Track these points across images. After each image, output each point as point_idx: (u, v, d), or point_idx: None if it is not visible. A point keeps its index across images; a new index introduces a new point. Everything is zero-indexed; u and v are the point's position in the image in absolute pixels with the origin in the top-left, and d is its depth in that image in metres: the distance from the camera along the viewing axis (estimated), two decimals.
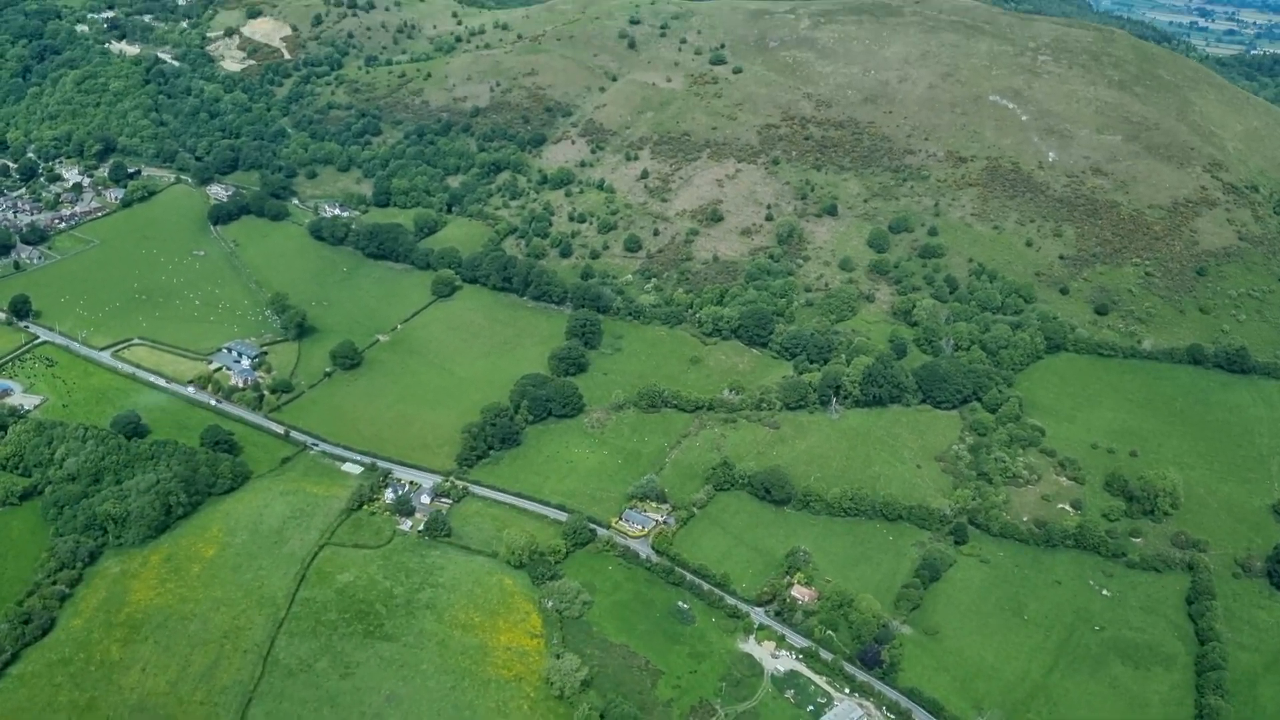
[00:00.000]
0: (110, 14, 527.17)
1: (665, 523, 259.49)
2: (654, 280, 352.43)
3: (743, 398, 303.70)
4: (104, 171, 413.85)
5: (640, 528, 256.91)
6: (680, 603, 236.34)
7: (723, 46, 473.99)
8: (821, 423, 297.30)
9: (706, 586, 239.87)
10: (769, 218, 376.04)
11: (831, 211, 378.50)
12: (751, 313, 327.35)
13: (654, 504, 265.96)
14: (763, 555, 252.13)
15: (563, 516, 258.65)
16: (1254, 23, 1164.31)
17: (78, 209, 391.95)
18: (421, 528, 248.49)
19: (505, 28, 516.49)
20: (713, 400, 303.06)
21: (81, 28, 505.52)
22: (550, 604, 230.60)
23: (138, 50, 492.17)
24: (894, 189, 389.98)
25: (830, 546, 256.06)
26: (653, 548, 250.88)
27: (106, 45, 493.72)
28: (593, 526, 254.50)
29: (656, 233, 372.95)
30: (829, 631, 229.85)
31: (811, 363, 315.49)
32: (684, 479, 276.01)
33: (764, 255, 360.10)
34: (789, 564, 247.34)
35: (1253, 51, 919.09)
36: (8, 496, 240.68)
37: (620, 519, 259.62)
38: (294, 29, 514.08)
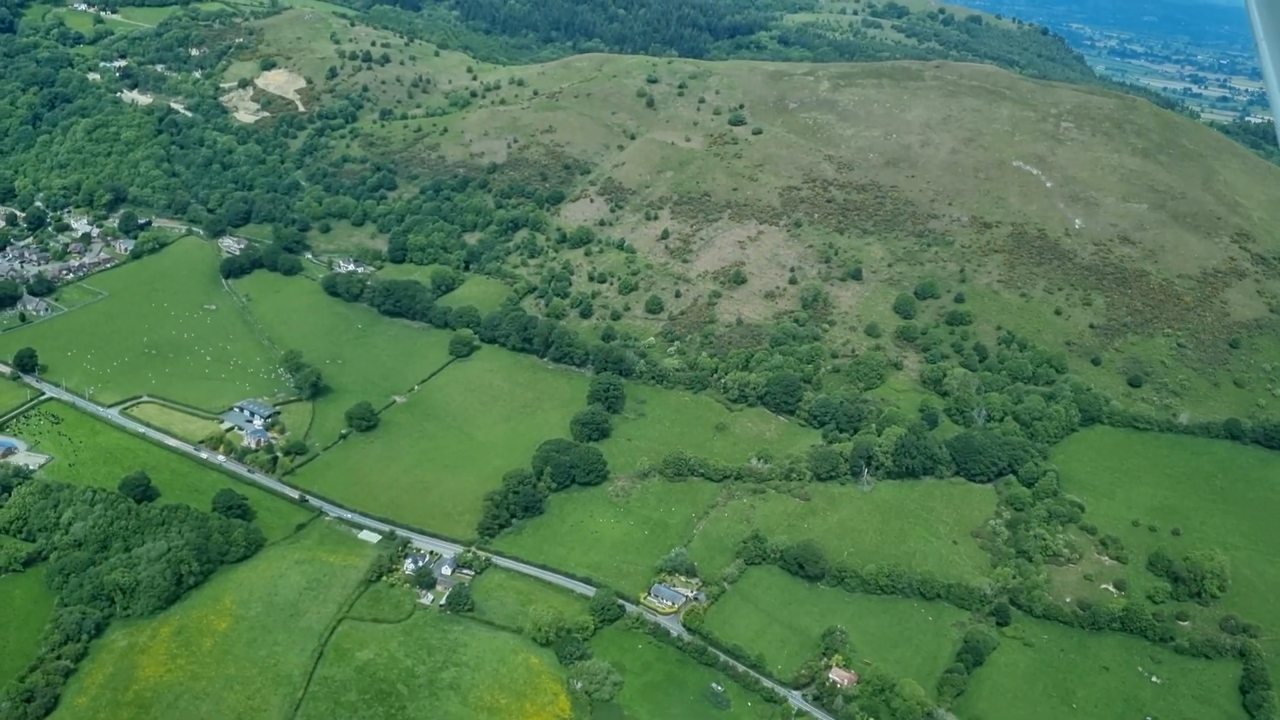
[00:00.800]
0: (123, 63, 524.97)
1: (696, 599, 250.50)
2: (677, 343, 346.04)
3: (771, 467, 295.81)
4: (114, 222, 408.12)
5: (670, 604, 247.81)
6: (714, 685, 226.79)
7: (742, 107, 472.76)
8: (853, 494, 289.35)
9: (741, 668, 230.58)
10: (793, 281, 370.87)
11: (856, 276, 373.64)
12: (779, 379, 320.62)
13: (683, 578, 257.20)
14: (798, 634, 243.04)
15: (589, 590, 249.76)
16: (1245, 90, 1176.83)
17: (86, 260, 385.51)
18: (443, 602, 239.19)
19: (521, 84, 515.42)
20: (741, 469, 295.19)
21: (93, 76, 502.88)
22: (579, 685, 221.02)
23: (150, 100, 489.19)
24: (918, 254, 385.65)
25: (867, 626, 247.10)
26: (684, 625, 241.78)
27: (118, 94, 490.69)
28: (621, 602, 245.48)
29: (678, 294, 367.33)
30: (871, 719, 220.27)
31: (841, 431, 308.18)
32: (713, 552, 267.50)
33: (789, 319, 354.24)
34: (826, 644, 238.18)
35: (1248, 118, 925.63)
36: (10, 563, 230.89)
37: (649, 594, 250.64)
38: (308, 81, 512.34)
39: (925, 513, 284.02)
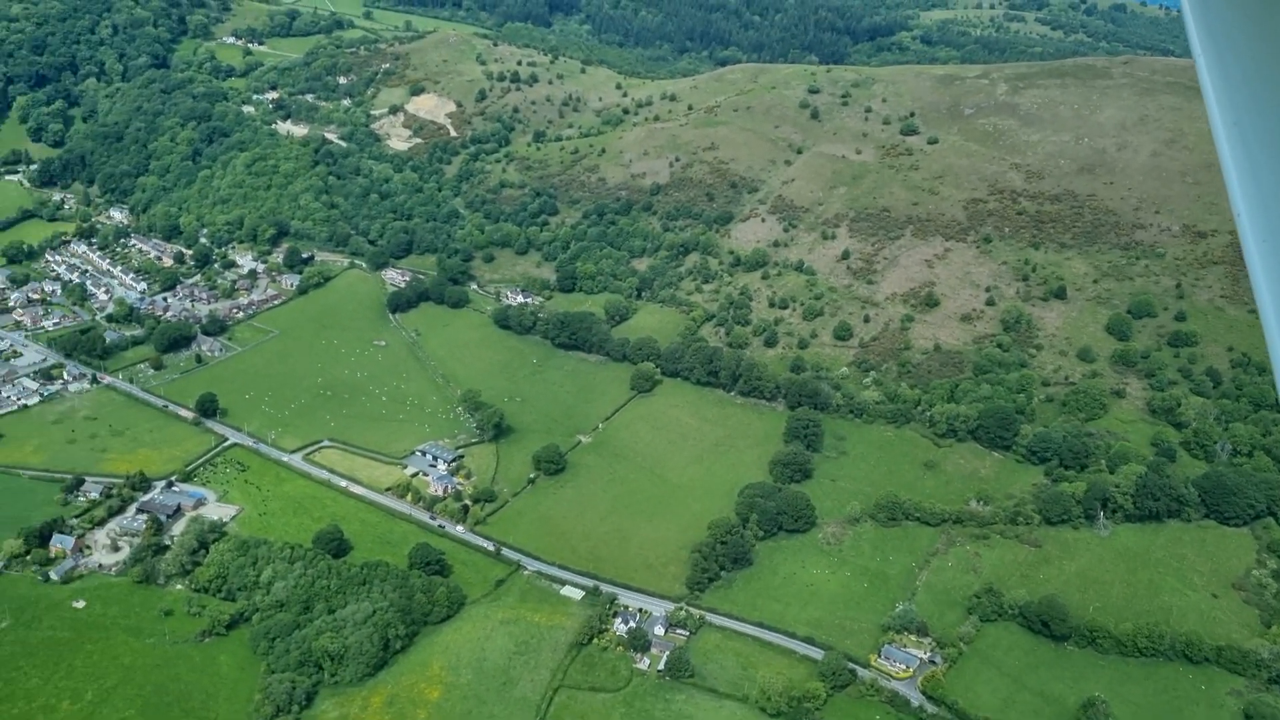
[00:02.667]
0: (274, 94, 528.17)
1: (932, 661, 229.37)
2: (872, 373, 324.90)
3: (993, 509, 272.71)
4: (278, 257, 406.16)
5: (904, 667, 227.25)
6: None
7: (912, 115, 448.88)
8: (1089, 540, 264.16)
9: None
10: (990, 302, 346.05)
11: (1060, 295, 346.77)
12: (991, 411, 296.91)
13: (914, 637, 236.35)
14: (1051, 703, 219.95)
15: (813, 651, 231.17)
16: None
17: (255, 297, 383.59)
18: (661, 666, 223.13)
19: (673, 99, 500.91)
20: (959, 512, 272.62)
21: (248, 109, 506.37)
22: None
23: (305, 130, 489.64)
24: (1126, 268, 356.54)
25: (1129, 694, 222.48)
26: (923, 692, 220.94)
27: (273, 126, 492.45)
28: (851, 665, 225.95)
29: (867, 319, 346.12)
30: None
31: (1066, 468, 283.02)
32: (941, 606, 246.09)
33: (990, 344, 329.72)
34: (1086, 716, 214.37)
35: None
36: (214, 626, 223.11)
37: (879, 656, 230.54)
38: (458, 105, 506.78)
39: (1175, 561, 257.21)
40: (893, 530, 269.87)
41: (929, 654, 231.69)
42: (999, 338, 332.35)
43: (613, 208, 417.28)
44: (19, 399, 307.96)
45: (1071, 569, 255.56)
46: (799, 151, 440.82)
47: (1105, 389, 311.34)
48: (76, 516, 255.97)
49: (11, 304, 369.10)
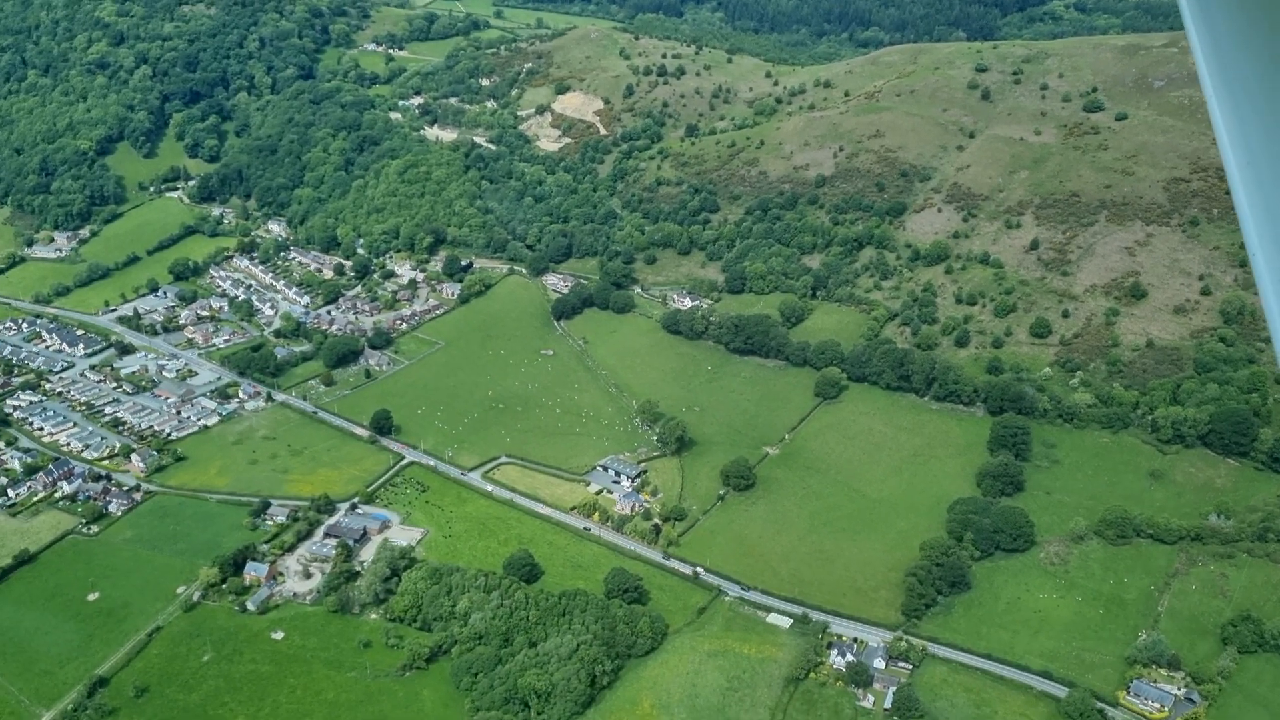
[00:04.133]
0: (419, 99, 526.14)
1: (1189, 699, 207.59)
2: (1079, 373, 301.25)
3: (1236, 525, 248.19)
4: (437, 265, 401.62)
5: (1159, 706, 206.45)
6: None
7: (1095, 90, 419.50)
8: None
9: None
10: (1205, 291, 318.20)
11: None
12: (1224, 414, 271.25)
13: (1165, 671, 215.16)
14: None
15: (1049, 687, 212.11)
16: None
17: (417, 308, 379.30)
18: (888, 704, 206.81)
19: (828, 85, 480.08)
20: (1198, 528, 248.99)
21: (395, 116, 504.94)
22: None
23: (454, 135, 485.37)
24: None
25: None
26: None
27: (421, 132, 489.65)
28: (1099, 704, 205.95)
29: (1066, 314, 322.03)
30: None
31: None
32: (1189, 635, 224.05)
33: (1211, 338, 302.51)
34: None
35: None
36: (414, 658, 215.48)
37: (1129, 693, 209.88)
38: (606, 102, 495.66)
39: None
40: (1123, 549, 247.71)
41: (1184, 690, 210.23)
42: (1220, 331, 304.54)
43: (776, 202, 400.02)
44: (199, 419, 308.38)
45: None
46: (971, 135, 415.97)
47: None
48: (266, 542, 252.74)
49: (183, 321, 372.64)
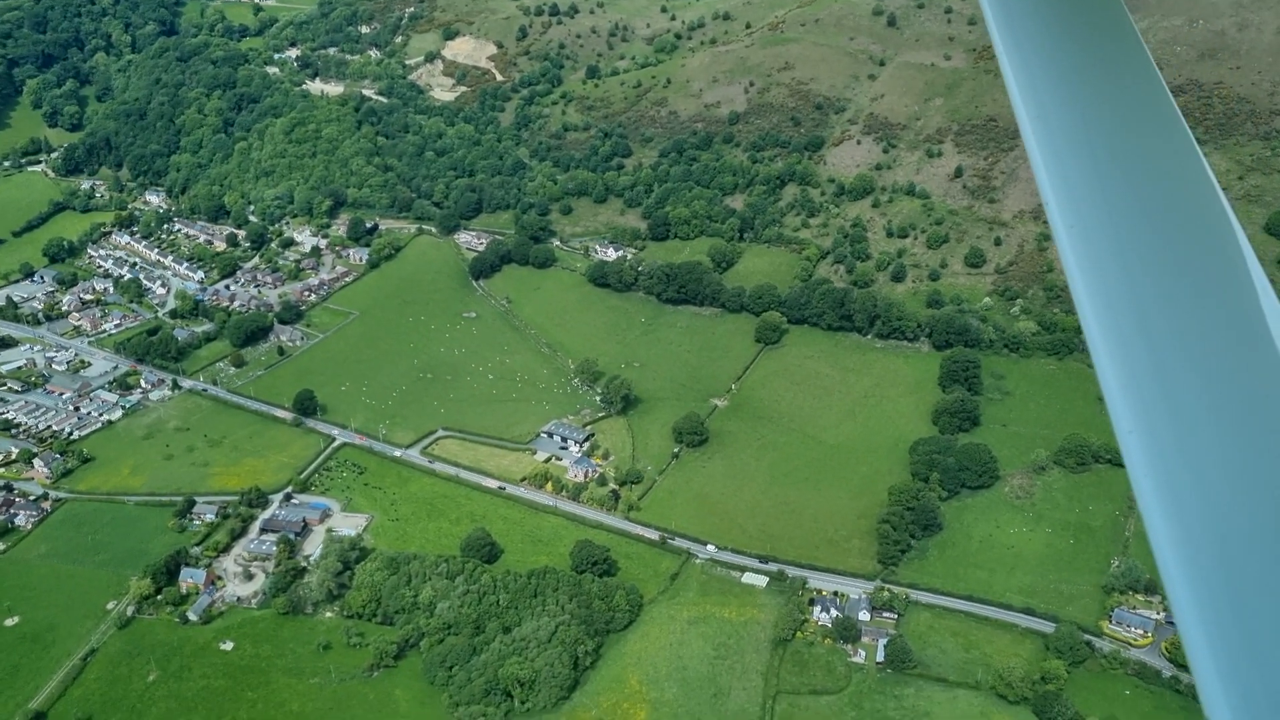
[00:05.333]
0: (295, 51, 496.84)
1: (1169, 622, 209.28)
2: (1018, 301, 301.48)
3: None
4: (340, 230, 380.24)
5: (1142, 632, 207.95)
6: None
7: None
8: None
9: None
10: None
11: None
12: None
13: (1142, 597, 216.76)
14: None
15: (1034, 623, 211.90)
16: None
17: (324, 276, 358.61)
18: (880, 658, 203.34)
19: (728, 17, 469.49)
20: None
21: (272, 70, 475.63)
22: None
23: (340, 89, 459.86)
24: (1271, 160, 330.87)
25: None
26: (1169, 659, 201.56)
27: (304, 87, 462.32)
28: (1086, 637, 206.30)
29: (998, 242, 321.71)
30: None
31: None
32: None
33: None
34: None
35: None
36: (382, 657, 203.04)
37: (1111, 622, 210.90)
38: (499, 46, 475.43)
39: None
40: (1085, 476, 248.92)
41: (1163, 614, 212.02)
42: None
43: (691, 143, 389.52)
44: (101, 415, 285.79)
45: None
46: (881, 64, 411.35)
47: None
48: (198, 544, 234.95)
49: (66, 308, 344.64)
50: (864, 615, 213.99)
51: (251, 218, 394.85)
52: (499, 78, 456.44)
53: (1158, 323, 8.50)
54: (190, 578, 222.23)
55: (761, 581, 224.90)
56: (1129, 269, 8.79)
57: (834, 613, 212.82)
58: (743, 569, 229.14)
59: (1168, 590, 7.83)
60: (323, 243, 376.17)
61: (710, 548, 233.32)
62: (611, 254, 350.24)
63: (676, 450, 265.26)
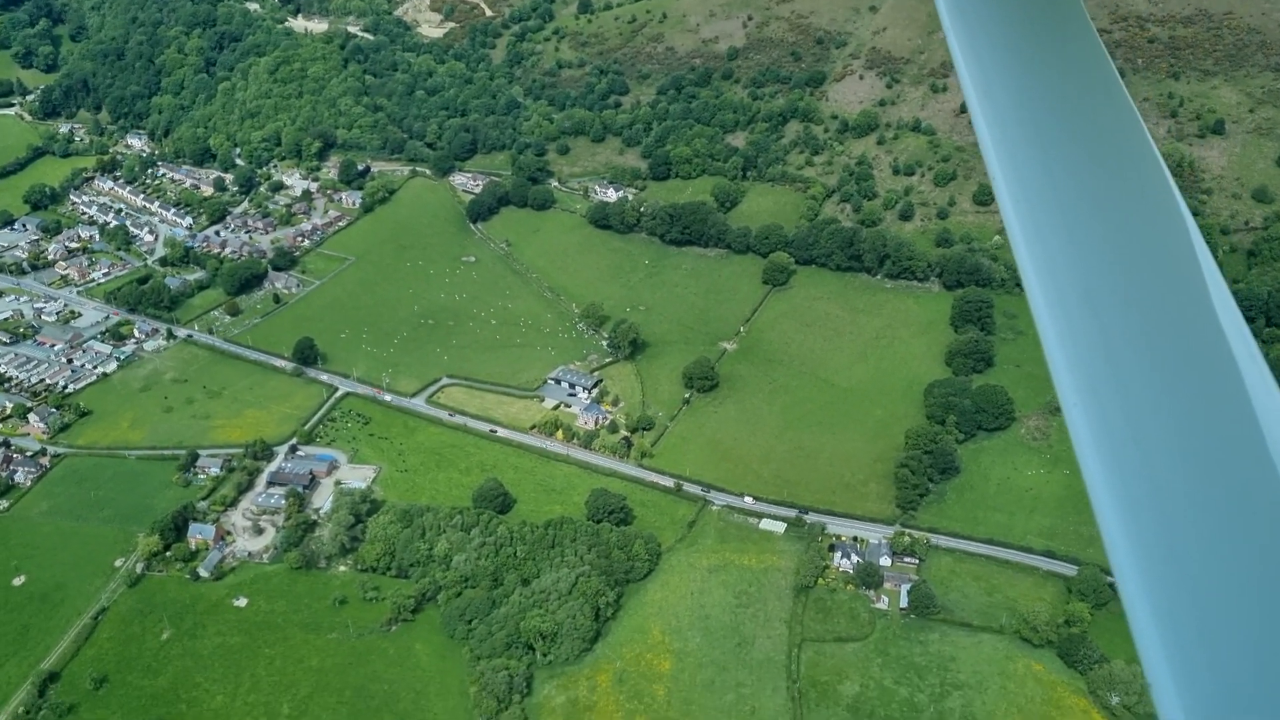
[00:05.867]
0: None
1: None
2: None
3: None
4: (330, 173, 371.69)
5: None
6: None
7: None
8: None
9: None
10: None
11: (1217, 130, 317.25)
12: None
13: None
14: None
15: (1055, 566, 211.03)
16: None
17: (316, 221, 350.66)
18: (903, 603, 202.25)
19: None
20: None
21: (253, 6, 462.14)
22: (1115, 699, 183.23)
23: (324, 26, 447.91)
24: None
25: None
26: None
27: (287, 24, 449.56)
28: (1109, 580, 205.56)
29: None
30: None
31: (1276, 328, 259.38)
32: None
33: None
34: None
35: None
36: (400, 612, 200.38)
37: None
38: None
39: None
40: None
41: None
42: None
43: (689, 79, 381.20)
44: (95, 367, 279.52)
45: None
46: None
47: None
48: (203, 499, 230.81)
49: (52, 256, 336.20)
50: (885, 560, 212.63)
51: (238, 161, 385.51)
52: (488, 13, 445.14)
53: (1103, 298, 8.40)
54: (199, 533, 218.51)
55: (779, 527, 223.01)
56: (1076, 244, 8.62)
57: (855, 558, 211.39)
58: (760, 515, 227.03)
59: (1112, 562, 7.67)
60: (314, 186, 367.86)
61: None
62: (612, 194, 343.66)
63: (687, 395, 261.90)
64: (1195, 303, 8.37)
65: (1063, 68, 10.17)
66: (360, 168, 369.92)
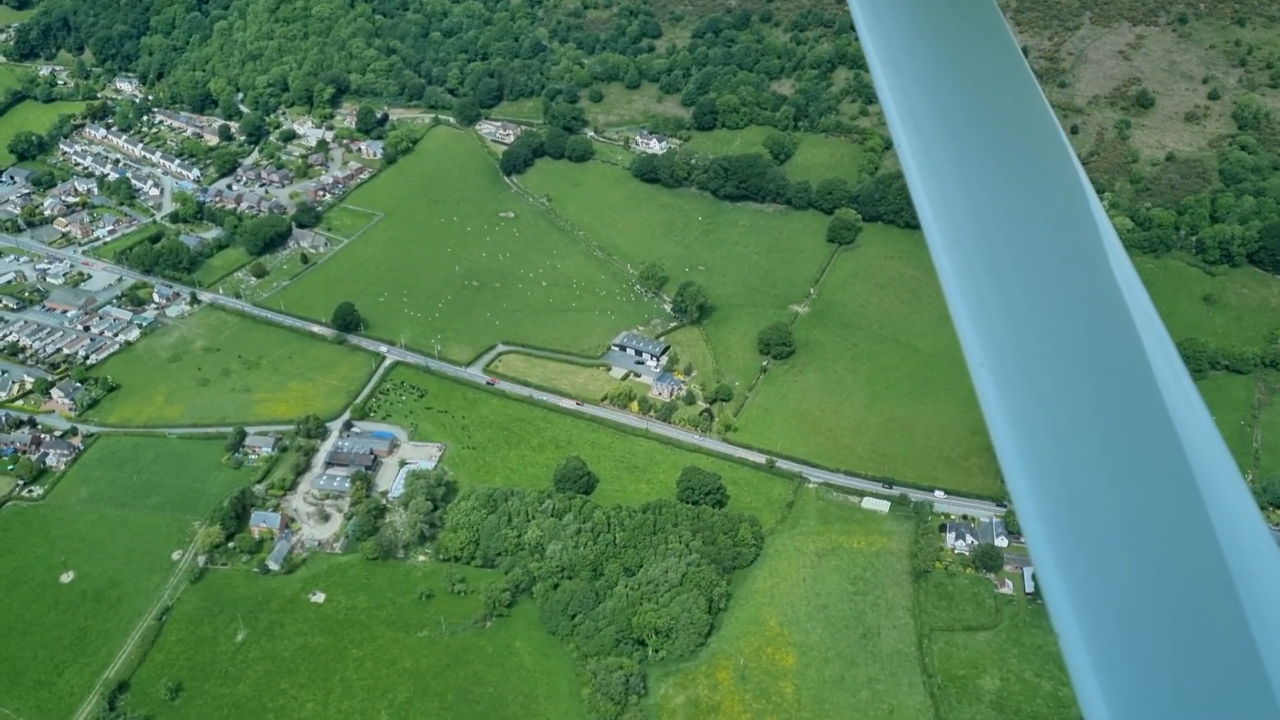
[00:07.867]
0: None
1: None
2: (1105, 194, 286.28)
3: None
4: (346, 121, 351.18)
5: None
6: None
7: None
8: None
9: None
10: (1213, 95, 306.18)
11: None
12: (1274, 228, 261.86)
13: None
14: None
15: None
16: None
17: (336, 173, 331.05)
18: (1029, 588, 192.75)
19: None
20: (1271, 354, 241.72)
21: None
22: None
23: None
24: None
25: None
26: None
27: None
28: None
29: (1075, 130, 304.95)
30: None
31: None
32: None
33: (1232, 145, 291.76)
34: None
35: None
36: (494, 606, 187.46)
37: None
38: None
39: None
40: (1201, 383, 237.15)
41: None
42: (1240, 138, 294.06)
43: (726, 22, 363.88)
44: (117, 335, 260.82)
45: None
46: None
47: None
48: (259, 483, 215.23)
49: (49, 212, 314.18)
50: (1001, 541, 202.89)
51: (243, 108, 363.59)
52: None
53: (1004, 258, 8.73)
54: (263, 521, 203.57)
55: (884, 506, 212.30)
56: (976, 203, 8.90)
57: (970, 539, 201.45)
58: (861, 493, 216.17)
59: (1025, 530, 7.58)
60: (329, 135, 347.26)
61: (821, 472, 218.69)
62: (655, 145, 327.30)
63: (764, 363, 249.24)
64: (1092, 257, 8.43)
65: (969, 41, 9.94)
66: (379, 115, 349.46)
